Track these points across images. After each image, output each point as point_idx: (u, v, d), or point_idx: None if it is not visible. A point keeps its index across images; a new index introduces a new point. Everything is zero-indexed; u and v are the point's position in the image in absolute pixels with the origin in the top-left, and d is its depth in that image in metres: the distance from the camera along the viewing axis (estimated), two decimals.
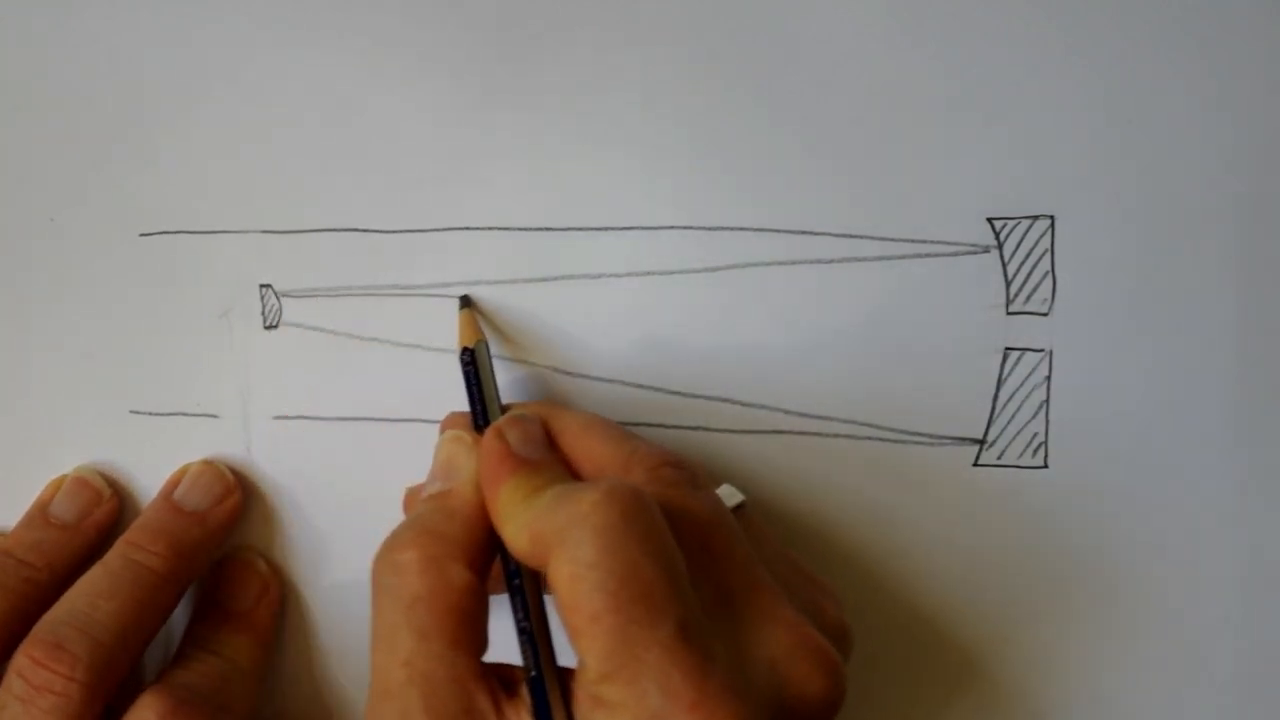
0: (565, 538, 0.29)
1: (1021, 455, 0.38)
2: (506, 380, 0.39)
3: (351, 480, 0.40)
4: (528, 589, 0.32)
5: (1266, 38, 0.36)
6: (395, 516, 0.39)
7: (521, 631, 0.31)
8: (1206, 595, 0.38)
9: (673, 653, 0.27)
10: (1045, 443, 0.38)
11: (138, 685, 0.39)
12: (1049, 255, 0.37)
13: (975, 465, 0.38)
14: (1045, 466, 0.38)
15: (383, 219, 0.39)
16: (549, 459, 0.33)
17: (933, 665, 0.39)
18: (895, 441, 0.38)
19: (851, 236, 0.38)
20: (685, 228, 0.38)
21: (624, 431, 0.34)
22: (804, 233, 0.38)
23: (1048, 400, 0.38)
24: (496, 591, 0.32)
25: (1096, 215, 0.37)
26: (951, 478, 0.38)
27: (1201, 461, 0.37)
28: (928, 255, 0.38)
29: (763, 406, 0.38)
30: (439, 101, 0.39)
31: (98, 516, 0.39)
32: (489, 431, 0.33)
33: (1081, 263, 0.37)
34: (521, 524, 0.30)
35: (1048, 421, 0.38)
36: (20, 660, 0.34)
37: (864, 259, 0.38)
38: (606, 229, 0.38)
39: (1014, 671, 0.38)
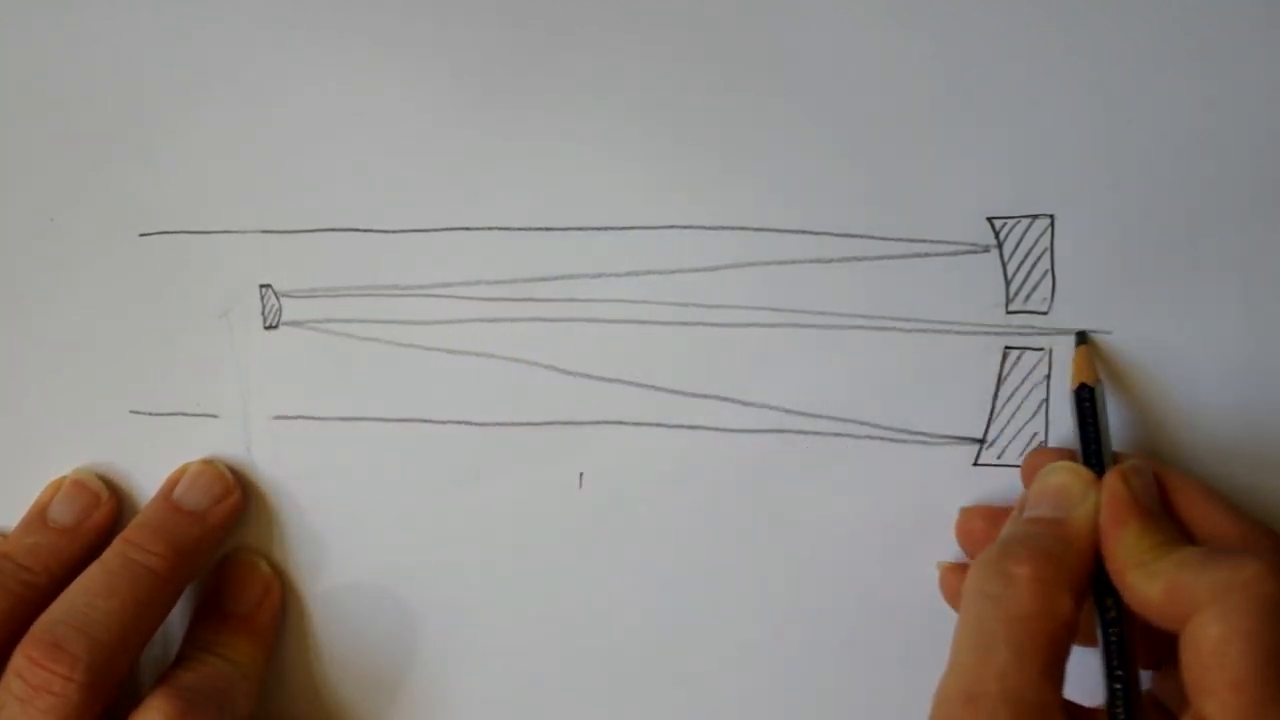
0: (1219, 599, 0.29)
1: (1022, 454, 0.38)
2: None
3: (351, 480, 0.40)
4: (1126, 639, 0.32)
5: (1266, 38, 0.36)
6: (394, 516, 0.39)
7: (1115, 680, 0.32)
8: None
9: None
10: (1045, 441, 0.38)
11: (135, 685, 0.39)
12: (1049, 254, 0.37)
13: (975, 464, 0.38)
14: None
15: (383, 219, 0.39)
16: (1166, 514, 0.33)
17: (931, 663, 0.39)
18: (895, 441, 0.38)
19: (852, 236, 0.38)
20: (685, 227, 0.38)
21: (1238, 507, 0.34)
22: (804, 232, 0.38)
23: (1047, 399, 0.38)
24: None
25: (1096, 214, 0.37)
26: (952, 477, 0.38)
27: (1201, 460, 0.37)
28: (928, 254, 0.38)
29: (763, 406, 0.38)
30: (439, 101, 0.39)
31: (96, 519, 0.39)
32: (1115, 474, 0.33)
33: (1081, 262, 0.37)
34: (1154, 572, 0.31)
35: (1047, 420, 0.38)
36: (18, 660, 0.34)
37: (864, 258, 0.38)
38: (606, 229, 0.38)
39: None
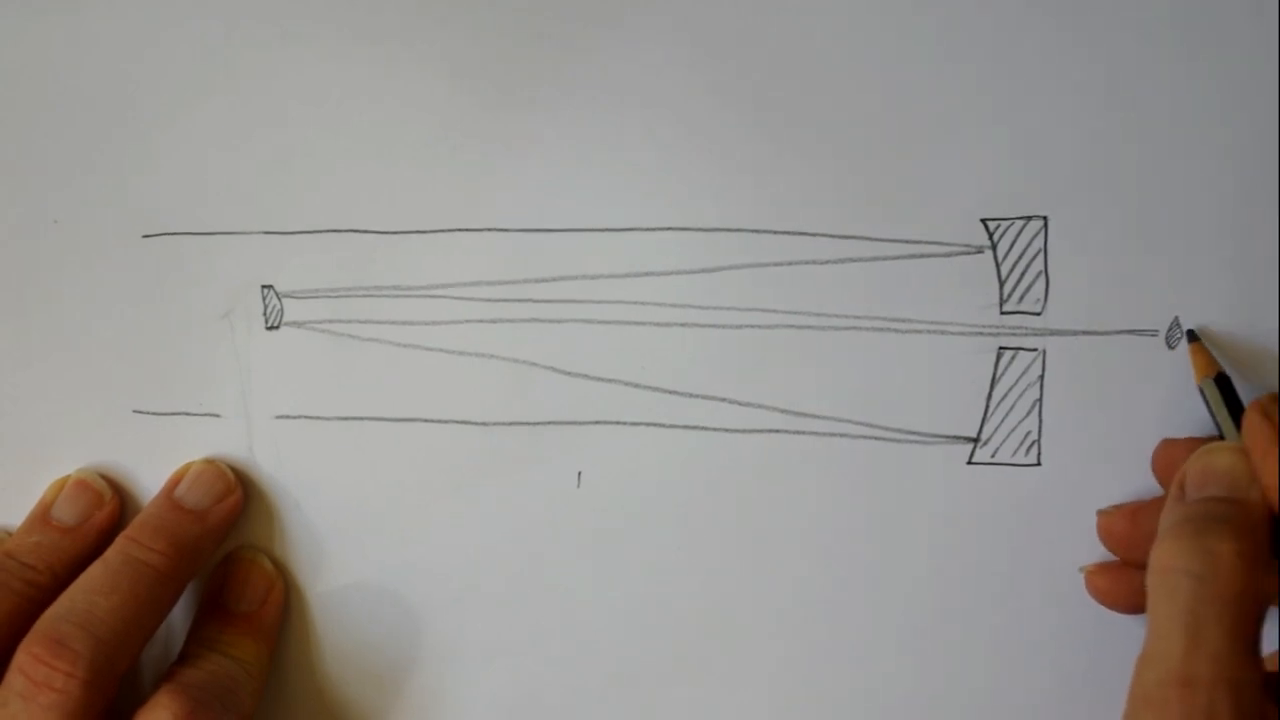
0: None
1: (1015, 453, 0.38)
2: None
3: (352, 479, 0.40)
4: None
5: (1261, 39, 0.37)
6: (394, 515, 0.39)
7: None
8: None
9: None
10: (1038, 440, 0.38)
11: (135, 683, 0.39)
12: (1042, 255, 0.38)
13: (969, 463, 0.38)
14: (1038, 464, 0.38)
15: (383, 220, 0.39)
16: None
17: (925, 662, 0.39)
18: (890, 440, 0.38)
19: (847, 237, 0.38)
20: (683, 228, 0.39)
21: None
22: (800, 234, 0.38)
23: (1041, 399, 0.38)
24: None
25: (1090, 216, 0.37)
26: (946, 475, 0.38)
27: None
28: (922, 256, 0.38)
29: (759, 406, 0.39)
30: (440, 102, 0.39)
31: (99, 519, 0.39)
32: (1254, 407, 0.33)
33: (1074, 263, 0.38)
34: None
35: (1040, 420, 0.38)
36: (21, 657, 0.34)
37: (859, 259, 0.38)
38: (605, 229, 0.39)
39: (1007, 667, 0.39)
